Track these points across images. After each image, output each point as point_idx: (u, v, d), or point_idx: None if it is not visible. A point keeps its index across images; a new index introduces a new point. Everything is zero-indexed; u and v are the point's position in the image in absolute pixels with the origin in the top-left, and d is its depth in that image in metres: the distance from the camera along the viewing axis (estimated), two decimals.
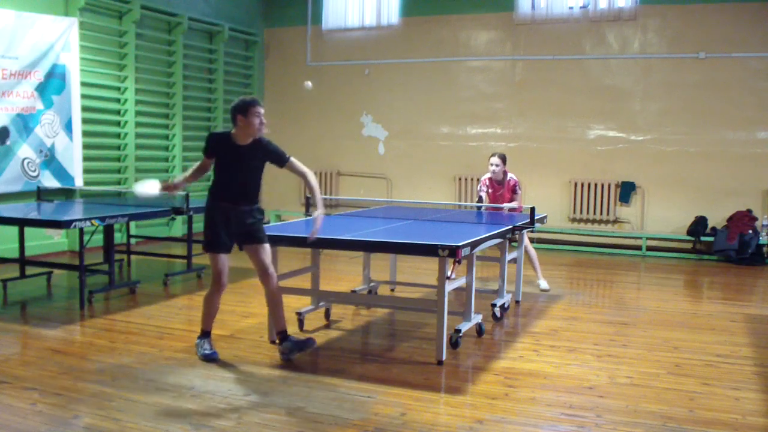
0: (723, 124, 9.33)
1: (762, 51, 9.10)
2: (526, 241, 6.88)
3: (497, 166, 6.74)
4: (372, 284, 6.37)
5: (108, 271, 6.29)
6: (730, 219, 9.07)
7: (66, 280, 7.03)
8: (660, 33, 9.55)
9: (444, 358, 4.49)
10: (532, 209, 5.59)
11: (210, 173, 4.59)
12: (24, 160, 7.84)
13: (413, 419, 3.57)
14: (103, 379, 4.09)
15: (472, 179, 10.41)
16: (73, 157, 8.32)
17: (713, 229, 9.23)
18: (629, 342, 5.11)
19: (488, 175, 6.81)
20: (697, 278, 8.17)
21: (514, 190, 6.83)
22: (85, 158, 8.54)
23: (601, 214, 9.87)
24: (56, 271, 6.98)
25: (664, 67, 9.55)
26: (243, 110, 4.32)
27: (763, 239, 8.86)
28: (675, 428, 3.51)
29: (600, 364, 4.58)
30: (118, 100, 9.09)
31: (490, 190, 6.80)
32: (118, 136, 9.13)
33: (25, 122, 7.81)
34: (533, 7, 10.07)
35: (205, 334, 4.61)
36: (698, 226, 9.29)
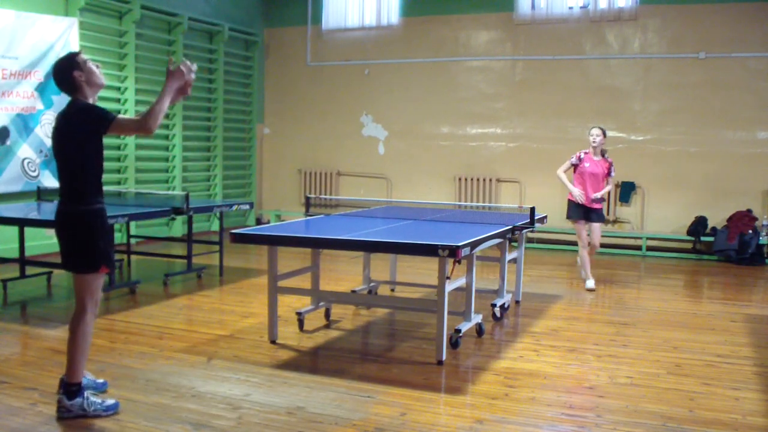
0: (723, 124, 9.34)
1: (762, 51, 9.10)
2: (597, 241, 7.01)
3: (598, 136, 6.72)
4: (372, 284, 6.37)
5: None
6: (730, 219, 9.06)
7: (66, 280, 7.02)
8: (660, 33, 9.55)
9: (444, 358, 4.49)
10: (532, 209, 5.59)
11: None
12: (24, 160, 7.84)
13: (413, 419, 3.57)
14: (103, 379, 4.08)
15: (472, 179, 10.41)
16: None
17: (713, 229, 9.23)
18: (629, 342, 5.11)
19: (585, 150, 6.86)
20: (697, 278, 8.17)
21: (609, 171, 6.81)
22: None
23: None
24: (56, 271, 6.97)
25: (664, 67, 9.56)
26: (77, 64, 3.53)
27: (763, 239, 8.86)
28: (675, 428, 3.51)
29: (600, 364, 4.57)
30: (118, 100, 9.09)
31: (587, 164, 6.76)
32: (118, 136, 9.12)
33: (25, 122, 7.81)
34: (533, 7, 10.07)
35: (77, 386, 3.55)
36: (698, 226, 9.29)
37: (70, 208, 3.54)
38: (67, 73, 3.55)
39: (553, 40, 10.00)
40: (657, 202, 9.71)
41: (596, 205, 6.89)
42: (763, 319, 5.97)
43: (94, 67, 3.60)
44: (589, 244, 7.05)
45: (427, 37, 10.67)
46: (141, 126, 3.41)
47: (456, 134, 10.63)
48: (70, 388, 3.52)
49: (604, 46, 9.80)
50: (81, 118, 3.45)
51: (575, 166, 6.92)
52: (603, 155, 6.83)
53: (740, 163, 9.27)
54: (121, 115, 3.44)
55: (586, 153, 6.80)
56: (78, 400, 3.51)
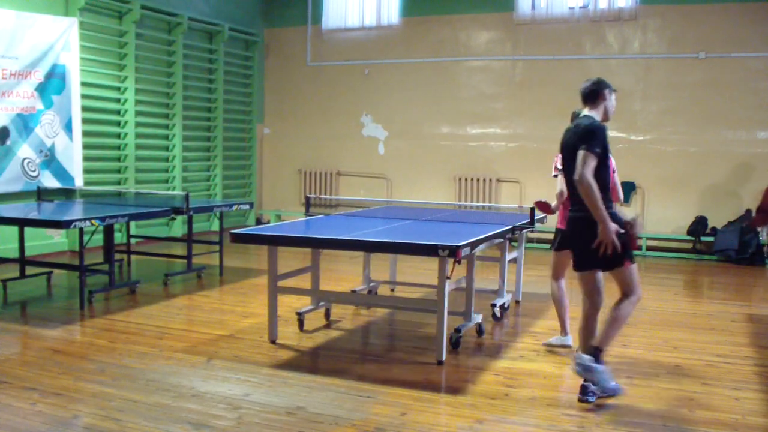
0: (723, 124, 9.33)
1: (762, 51, 9.09)
2: (563, 284, 4.91)
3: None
4: (372, 284, 6.37)
5: (108, 271, 6.29)
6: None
7: (66, 280, 7.03)
8: (660, 33, 9.55)
9: (444, 358, 4.49)
10: (532, 209, 5.58)
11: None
12: (24, 160, 7.84)
13: (413, 419, 3.57)
14: (103, 379, 4.09)
15: (472, 179, 10.40)
16: (73, 157, 8.32)
17: (713, 229, 9.23)
18: (629, 342, 5.11)
19: None
20: (697, 278, 8.17)
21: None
22: (85, 158, 8.53)
23: None
24: (56, 271, 6.98)
25: (664, 67, 9.55)
26: (609, 89, 3.97)
27: (763, 239, 8.86)
28: (675, 428, 3.51)
29: None
30: (118, 100, 9.09)
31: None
32: (118, 136, 9.13)
33: (25, 122, 7.81)
34: (533, 7, 10.07)
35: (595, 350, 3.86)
36: (698, 226, 9.29)
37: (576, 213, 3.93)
38: (600, 87, 3.96)
39: (553, 40, 9.99)
40: (657, 202, 9.70)
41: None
42: (763, 319, 5.97)
43: (614, 102, 4.03)
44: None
45: (427, 37, 10.67)
46: (580, 179, 3.76)
47: (456, 134, 10.62)
48: (596, 350, 3.78)
49: (604, 46, 9.80)
50: (581, 137, 3.85)
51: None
52: None
53: (740, 163, 9.27)
54: (592, 156, 3.77)
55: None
56: (596, 365, 3.73)
